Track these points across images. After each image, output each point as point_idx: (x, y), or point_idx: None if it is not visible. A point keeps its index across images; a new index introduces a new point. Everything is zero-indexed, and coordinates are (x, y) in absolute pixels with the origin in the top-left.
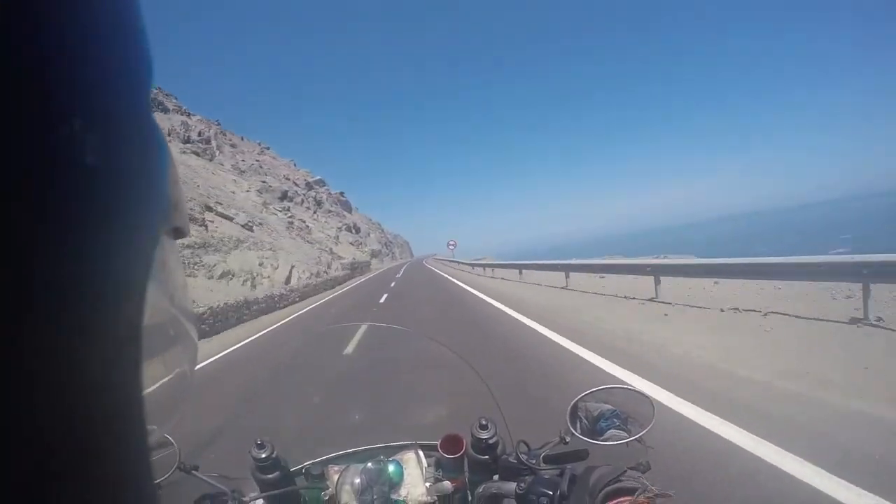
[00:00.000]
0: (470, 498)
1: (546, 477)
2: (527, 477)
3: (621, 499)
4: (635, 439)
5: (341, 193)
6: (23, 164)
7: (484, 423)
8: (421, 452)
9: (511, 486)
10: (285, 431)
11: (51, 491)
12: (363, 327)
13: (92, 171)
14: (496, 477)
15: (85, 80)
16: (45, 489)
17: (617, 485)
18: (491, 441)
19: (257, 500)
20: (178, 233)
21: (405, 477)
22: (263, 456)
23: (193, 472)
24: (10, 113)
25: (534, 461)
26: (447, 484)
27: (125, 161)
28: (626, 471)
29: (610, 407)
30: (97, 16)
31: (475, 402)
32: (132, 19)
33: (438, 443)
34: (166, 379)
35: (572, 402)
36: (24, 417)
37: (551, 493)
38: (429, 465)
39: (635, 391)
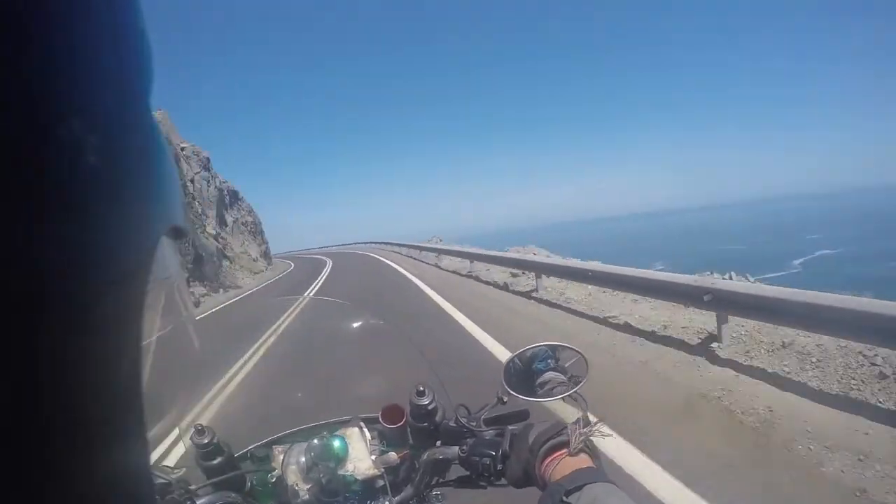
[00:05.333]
0: (416, 465)
1: (487, 438)
2: (468, 440)
3: (559, 452)
4: (569, 395)
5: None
6: (23, 163)
7: (421, 389)
8: (363, 425)
9: (454, 450)
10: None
11: (51, 488)
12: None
13: (92, 170)
14: (438, 443)
15: (85, 80)
16: (45, 487)
17: (557, 439)
18: (430, 407)
19: (203, 488)
20: (178, 233)
21: (350, 451)
22: (205, 442)
23: None
24: (10, 113)
25: (474, 423)
26: (392, 455)
27: (125, 161)
28: (564, 427)
29: (543, 347)
30: (98, 16)
31: (412, 369)
32: (133, 19)
33: (379, 414)
34: (166, 377)
35: (505, 362)
36: (24, 416)
37: (494, 452)
38: (372, 438)
39: (567, 346)
